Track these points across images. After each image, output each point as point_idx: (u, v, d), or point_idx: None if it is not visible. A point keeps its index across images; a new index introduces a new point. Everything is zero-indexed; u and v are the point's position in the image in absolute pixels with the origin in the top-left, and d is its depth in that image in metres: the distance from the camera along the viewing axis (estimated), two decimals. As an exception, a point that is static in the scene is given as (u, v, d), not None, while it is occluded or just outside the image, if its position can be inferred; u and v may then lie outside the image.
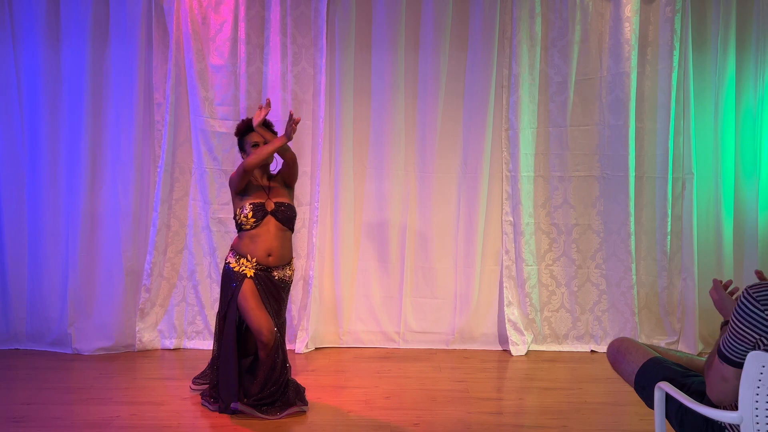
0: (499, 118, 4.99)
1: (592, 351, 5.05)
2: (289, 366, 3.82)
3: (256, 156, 3.65)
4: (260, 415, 3.61)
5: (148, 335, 4.88)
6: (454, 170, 5.04)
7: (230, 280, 3.72)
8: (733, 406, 2.19)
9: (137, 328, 4.85)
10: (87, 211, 4.81)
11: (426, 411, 3.81)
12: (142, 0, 4.74)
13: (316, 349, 4.99)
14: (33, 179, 4.83)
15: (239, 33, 4.81)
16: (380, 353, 4.94)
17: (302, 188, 4.85)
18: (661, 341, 4.97)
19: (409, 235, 5.04)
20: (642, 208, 5.03)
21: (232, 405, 3.61)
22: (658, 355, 2.66)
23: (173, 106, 4.81)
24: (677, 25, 4.83)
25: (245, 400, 3.65)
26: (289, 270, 3.84)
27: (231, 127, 4.82)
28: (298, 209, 4.11)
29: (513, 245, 5.03)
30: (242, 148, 3.86)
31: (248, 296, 3.64)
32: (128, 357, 4.75)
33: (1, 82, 4.79)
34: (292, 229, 3.84)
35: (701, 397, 2.33)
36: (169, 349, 4.92)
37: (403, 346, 5.06)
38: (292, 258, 3.89)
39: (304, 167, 4.76)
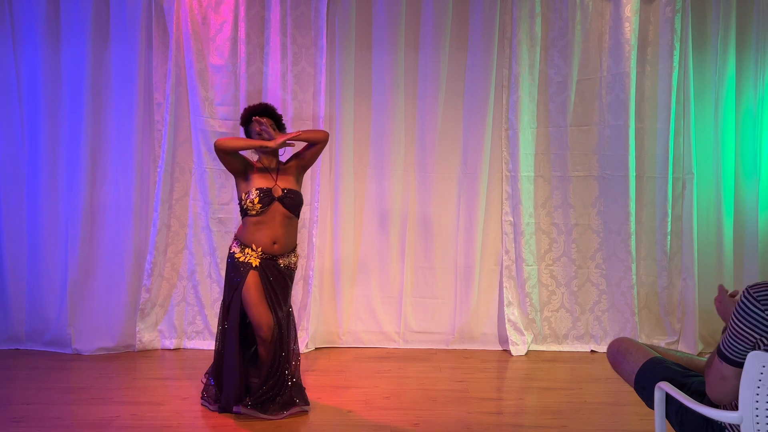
0: (499, 118, 5.00)
1: (592, 351, 5.05)
2: (296, 363, 3.77)
3: (232, 142, 3.62)
4: (263, 416, 3.60)
5: (148, 335, 4.88)
6: (454, 170, 5.04)
7: (236, 272, 3.66)
8: (733, 406, 2.19)
9: (137, 328, 4.85)
10: (87, 211, 4.81)
11: (426, 411, 3.81)
12: (142, 0, 4.74)
13: (316, 349, 4.99)
14: (32, 179, 4.83)
15: (239, 33, 4.81)
16: (380, 353, 4.94)
17: (302, 188, 4.83)
18: (661, 341, 4.97)
19: (409, 235, 5.04)
20: (642, 208, 5.03)
21: (235, 408, 3.60)
22: (658, 355, 2.66)
23: (173, 106, 4.81)
24: (677, 25, 4.83)
25: (248, 399, 3.63)
26: (294, 257, 3.80)
27: (231, 127, 4.84)
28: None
29: (513, 245, 5.03)
30: (248, 135, 3.82)
31: (251, 290, 3.61)
32: (128, 357, 4.75)
33: (0, 83, 4.80)
34: (297, 216, 3.80)
35: (701, 397, 2.33)
36: (169, 349, 4.92)
37: (403, 346, 5.06)
38: (296, 245, 3.85)
39: (304, 167, 4.77)
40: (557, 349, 5.06)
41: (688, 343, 4.94)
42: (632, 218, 4.92)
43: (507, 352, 4.98)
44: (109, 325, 4.83)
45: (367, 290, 5.09)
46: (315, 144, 3.80)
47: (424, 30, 4.93)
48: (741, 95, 5.02)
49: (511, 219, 5.03)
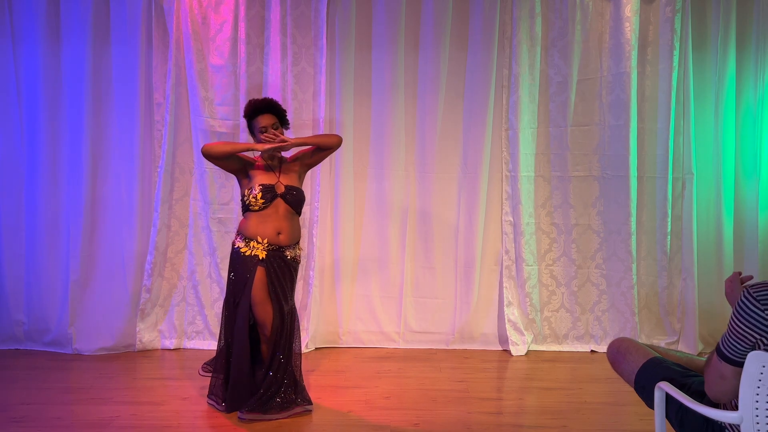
0: (499, 118, 5.00)
1: (592, 351, 5.05)
2: (298, 363, 3.75)
3: (219, 147, 3.62)
4: (265, 416, 3.59)
5: (148, 335, 4.88)
6: (454, 170, 5.04)
7: (243, 267, 3.63)
8: (733, 406, 2.19)
9: (137, 328, 4.85)
10: (87, 211, 4.82)
11: (426, 411, 3.81)
12: (142, 0, 4.74)
13: (316, 349, 4.99)
14: (32, 179, 4.82)
15: (239, 33, 4.81)
16: (380, 353, 4.94)
17: (303, 188, 4.84)
18: (661, 341, 4.97)
19: (409, 235, 5.05)
20: (642, 208, 5.03)
21: (240, 415, 3.59)
22: (658, 355, 2.65)
23: (173, 106, 4.82)
24: (677, 25, 4.83)
25: (252, 400, 3.61)
26: (299, 249, 3.81)
27: (231, 127, 4.84)
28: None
29: (513, 245, 5.03)
30: (252, 131, 3.81)
31: (258, 288, 3.60)
32: (128, 357, 4.75)
33: (0, 83, 4.80)
34: (299, 213, 3.80)
35: (701, 397, 2.33)
36: (170, 349, 4.92)
37: (403, 346, 5.06)
38: (300, 238, 3.84)
39: (304, 167, 4.77)
40: (557, 349, 5.06)
41: (688, 343, 4.94)
42: (632, 218, 4.92)
43: (507, 352, 4.98)
44: (109, 325, 4.83)
45: (367, 290, 5.09)
46: (325, 149, 3.81)
47: (424, 30, 4.93)
48: (741, 95, 5.02)
49: (511, 219, 5.03)
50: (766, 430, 2.10)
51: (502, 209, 5.05)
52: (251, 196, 3.63)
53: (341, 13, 4.88)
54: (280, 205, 3.67)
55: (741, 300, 2.10)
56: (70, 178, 4.81)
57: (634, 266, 4.94)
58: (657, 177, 4.97)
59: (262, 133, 3.69)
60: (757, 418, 2.10)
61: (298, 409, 3.69)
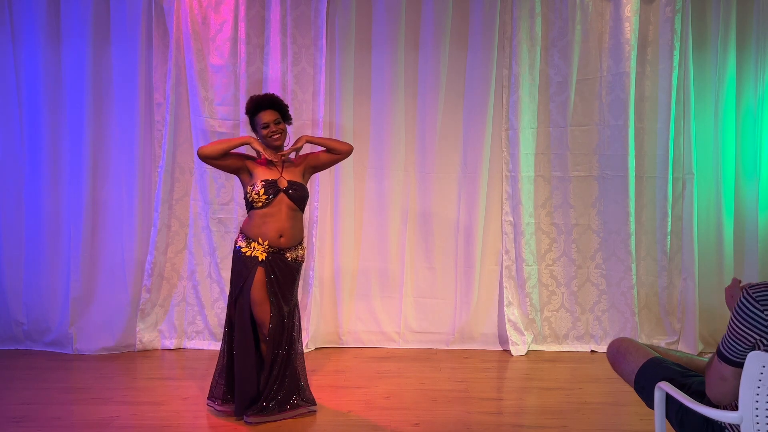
0: (499, 117, 5.00)
1: (592, 351, 5.05)
2: (301, 363, 3.74)
3: (213, 147, 3.61)
4: (267, 418, 3.57)
5: (148, 335, 4.88)
6: (454, 170, 5.04)
7: (243, 267, 3.62)
8: (733, 406, 2.19)
9: (137, 328, 4.85)
10: (88, 211, 4.82)
11: (426, 411, 3.81)
12: (142, 0, 4.74)
13: (316, 349, 4.99)
14: (32, 179, 4.83)
15: (239, 33, 4.81)
16: (380, 353, 4.94)
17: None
18: (661, 341, 4.97)
19: (409, 235, 5.05)
20: (642, 208, 5.03)
21: (245, 419, 3.57)
22: (658, 355, 2.65)
23: (173, 106, 4.82)
24: (677, 25, 4.83)
25: (256, 404, 3.59)
26: (301, 249, 3.77)
27: (231, 126, 4.84)
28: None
29: (513, 245, 5.03)
30: (254, 127, 3.79)
31: (257, 288, 3.59)
32: (128, 357, 4.75)
33: (0, 83, 4.80)
34: (302, 210, 3.77)
35: (701, 397, 2.32)
36: (170, 349, 4.92)
37: (403, 346, 5.06)
38: (303, 238, 3.81)
39: (304, 167, 4.76)
40: (557, 349, 5.06)
41: (688, 343, 4.94)
42: (632, 218, 4.92)
43: (507, 352, 4.98)
44: (109, 325, 4.83)
45: (367, 290, 5.09)
46: (335, 153, 3.80)
47: (424, 30, 4.94)
48: (741, 95, 5.02)
49: (511, 219, 5.03)
50: (766, 431, 2.10)
51: (502, 209, 5.05)
52: (254, 192, 3.61)
53: (341, 13, 4.88)
54: (282, 200, 3.63)
55: (740, 300, 2.10)
56: (71, 178, 4.81)
57: (634, 266, 4.94)
58: (657, 177, 4.97)
59: (265, 129, 3.68)
60: (757, 418, 2.10)
61: (302, 410, 3.69)
